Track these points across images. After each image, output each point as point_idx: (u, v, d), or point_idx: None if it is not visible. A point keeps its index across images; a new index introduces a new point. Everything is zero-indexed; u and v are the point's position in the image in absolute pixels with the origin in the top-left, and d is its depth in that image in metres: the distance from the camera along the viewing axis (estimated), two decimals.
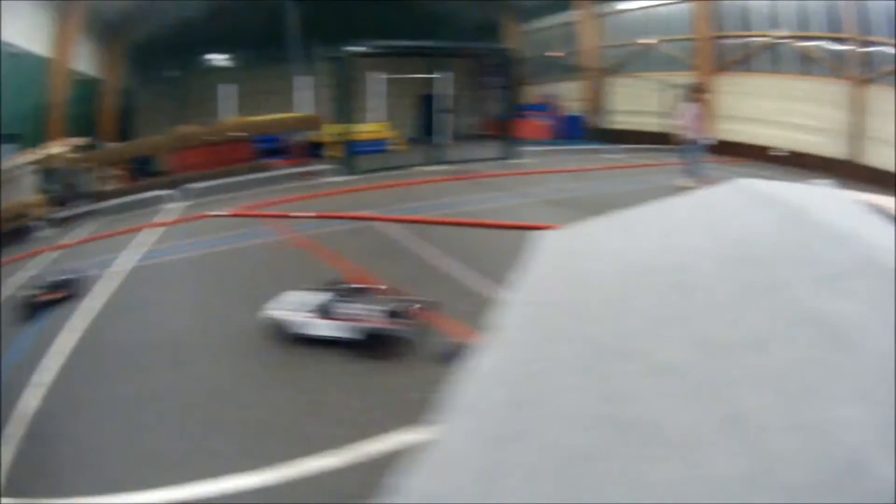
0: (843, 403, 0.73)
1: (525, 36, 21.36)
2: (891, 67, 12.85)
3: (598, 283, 1.32)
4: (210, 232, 9.20)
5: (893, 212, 1.29)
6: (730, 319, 0.99)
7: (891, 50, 12.64)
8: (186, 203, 12.14)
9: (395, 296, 4.69)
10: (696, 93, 11.27)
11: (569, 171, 13.15)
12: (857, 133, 13.58)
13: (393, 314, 4.32)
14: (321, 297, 4.55)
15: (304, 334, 4.48)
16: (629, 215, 1.67)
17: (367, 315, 4.31)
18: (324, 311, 4.42)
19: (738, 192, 1.51)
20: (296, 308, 4.58)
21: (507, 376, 1.04)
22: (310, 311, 4.47)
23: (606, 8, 18.66)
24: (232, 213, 10.51)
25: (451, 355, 2.97)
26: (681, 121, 10.97)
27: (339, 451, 3.32)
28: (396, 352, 4.29)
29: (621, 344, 1.02)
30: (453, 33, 17.93)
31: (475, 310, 4.62)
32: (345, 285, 4.80)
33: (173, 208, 11.88)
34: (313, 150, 16.32)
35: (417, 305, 4.54)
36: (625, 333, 1.06)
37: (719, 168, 12.00)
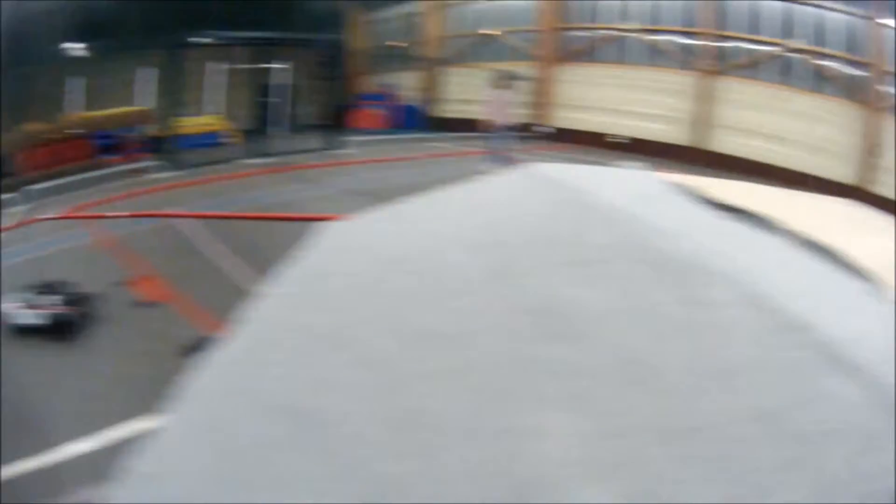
0: (546, 407, 0.72)
1: (370, 26, 20.88)
2: (743, 60, 14.00)
3: (346, 273, 1.32)
4: (42, 236, 9.03)
5: (698, 192, 1.27)
6: (452, 309, 0.99)
7: (745, 45, 13.82)
8: (28, 206, 11.53)
9: (69, 288, 5.34)
10: (506, 80, 11.15)
11: (387, 161, 13.20)
12: (704, 121, 14.33)
13: (68, 302, 5.07)
14: (31, 292, 5.18)
15: (15, 324, 4.98)
16: (413, 204, 1.66)
17: (50, 303, 5.01)
18: (28, 302, 5.04)
19: (526, 176, 1.50)
20: (14, 301, 5.13)
21: (229, 367, 1.07)
22: (20, 304, 5.05)
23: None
24: (57, 216, 10.14)
25: (194, 348, 3.12)
26: (487, 108, 10.81)
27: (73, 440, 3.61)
28: (77, 333, 4.96)
29: (339, 334, 1.03)
30: (299, 23, 17.02)
31: (235, 304, 4.38)
32: (49, 281, 5.44)
33: (15, 212, 11.22)
34: (151, 146, 15.16)
35: (74, 296, 5.22)
36: (346, 324, 1.06)
37: (547, 155, 12.34)
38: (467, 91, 17.90)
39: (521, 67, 15.05)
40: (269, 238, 7.48)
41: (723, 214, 1.17)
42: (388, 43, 19.38)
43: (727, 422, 0.71)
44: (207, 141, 15.70)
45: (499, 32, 17.14)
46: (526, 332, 0.84)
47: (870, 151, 14.95)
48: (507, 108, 10.81)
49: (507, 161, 10.03)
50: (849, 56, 15.10)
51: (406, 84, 19.42)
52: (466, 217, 1.41)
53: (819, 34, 15.06)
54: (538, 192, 1.34)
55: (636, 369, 0.78)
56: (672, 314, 0.85)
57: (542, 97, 15.98)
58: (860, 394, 0.71)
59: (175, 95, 14.26)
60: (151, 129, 15.46)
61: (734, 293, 0.87)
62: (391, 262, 1.26)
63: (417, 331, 0.94)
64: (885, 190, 14.64)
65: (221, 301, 5.05)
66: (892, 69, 15.34)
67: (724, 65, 14.60)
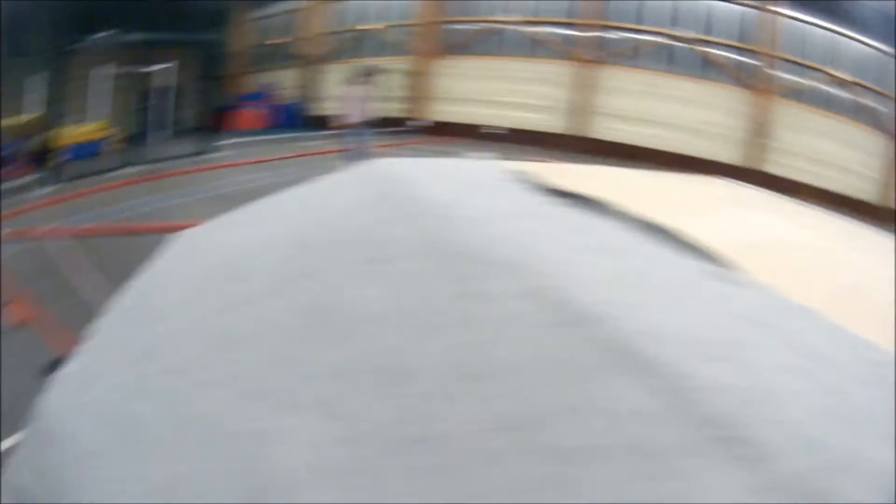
0: (293, 411, 0.73)
1: (253, 24, 20.59)
2: (624, 48, 14.25)
3: (176, 282, 1.34)
4: None
5: (536, 180, 1.27)
6: (250, 313, 0.99)
7: (627, 34, 14.17)
8: None
9: None
10: (363, 75, 10.78)
11: (260, 162, 12.88)
12: (583, 109, 14.32)
13: None
14: None
15: None
16: (253, 207, 1.65)
17: None
18: None
19: (359, 174, 1.52)
20: None
21: (70, 382, 1.11)
22: None
23: None
24: None
25: (52, 367, 2.91)
26: (342, 104, 10.49)
27: None
28: None
29: (157, 345, 1.06)
30: (184, 24, 16.64)
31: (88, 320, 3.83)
32: None
33: None
34: (35, 158, 14.56)
35: None
36: (165, 333, 1.09)
37: (416, 149, 12.24)
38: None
39: (379, 61, 14.70)
40: (133, 251, 7.15)
41: (557, 202, 1.15)
42: (269, 41, 18.95)
43: (467, 431, 0.67)
44: (91, 150, 15.10)
45: (380, 27, 16.76)
46: (299, 334, 0.86)
47: (758, 133, 14.94)
48: (364, 103, 10.43)
49: (363, 158, 9.73)
50: (738, 44, 15.13)
51: (286, 83, 19.04)
52: (293, 219, 1.41)
53: (708, 23, 15.04)
54: (366, 189, 1.34)
55: (390, 371, 0.77)
56: (446, 310, 0.82)
57: (420, 91, 15.61)
58: (651, 400, 0.64)
59: (61, 104, 13.65)
60: (37, 141, 15.02)
61: (520, 285, 0.82)
62: (216, 268, 1.28)
63: (217, 336, 0.97)
64: (775, 169, 14.79)
65: (82, 319, 4.83)
66: (783, 55, 15.45)
67: (606, 54, 14.44)
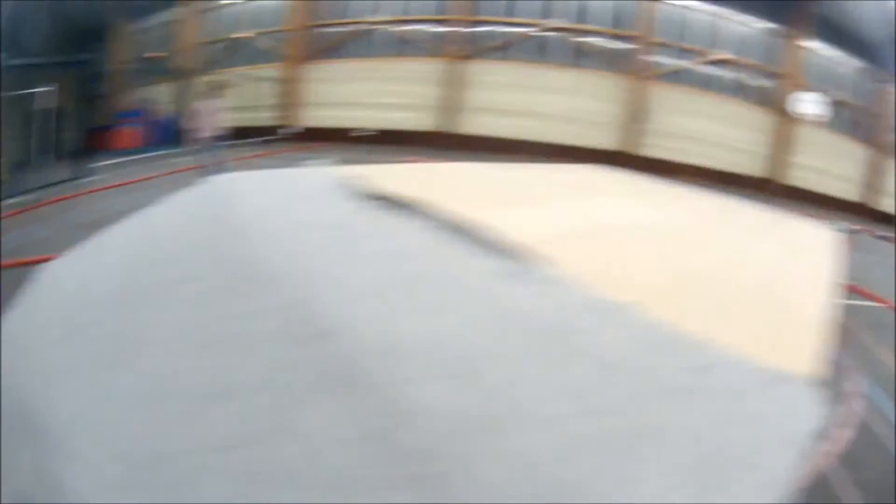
0: (66, 436, 0.79)
1: (132, 37, 20.15)
2: (494, 42, 14.34)
3: (37, 315, 1.35)
4: None
5: (360, 185, 1.31)
6: (64, 345, 1.04)
7: (498, 28, 14.27)
8: None
9: None
10: (214, 89, 10.66)
11: (131, 184, 12.45)
12: (453, 106, 14.20)
13: None
14: None
15: None
16: (109, 233, 1.69)
17: None
18: None
19: (199, 193, 1.54)
20: None
21: None
22: None
23: (210, 3, 17.73)
24: None
25: None
26: (196, 120, 10.23)
27: None
28: None
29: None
30: (66, 43, 16.22)
31: None
32: None
33: None
34: None
35: None
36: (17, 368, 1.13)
37: (284, 158, 12.02)
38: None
39: (251, 69, 14.75)
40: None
41: (372, 207, 1.17)
42: (146, 55, 18.55)
43: (197, 450, 0.71)
44: None
45: (251, 35, 16.47)
46: (103, 362, 0.89)
47: (635, 118, 14.98)
48: (216, 117, 10.22)
49: (217, 173, 9.44)
50: (613, 31, 15.16)
51: (164, 97, 18.71)
52: (133, 244, 1.43)
53: (582, 12, 15.05)
54: (197, 209, 1.38)
55: (154, 393, 0.82)
56: (215, 330, 0.84)
57: (291, 97, 15.29)
58: (353, 428, 0.61)
59: None
60: None
61: (278, 301, 0.83)
62: (66, 298, 1.31)
63: (45, 370, 1.00)
64: (655, 152, 14.92)
65: None
66: (661, 39, 15.52)
67: (476, 49, 14.36)
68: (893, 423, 4.23)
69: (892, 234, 14.67)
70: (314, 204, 1.19)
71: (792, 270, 3.11)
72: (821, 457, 2.98)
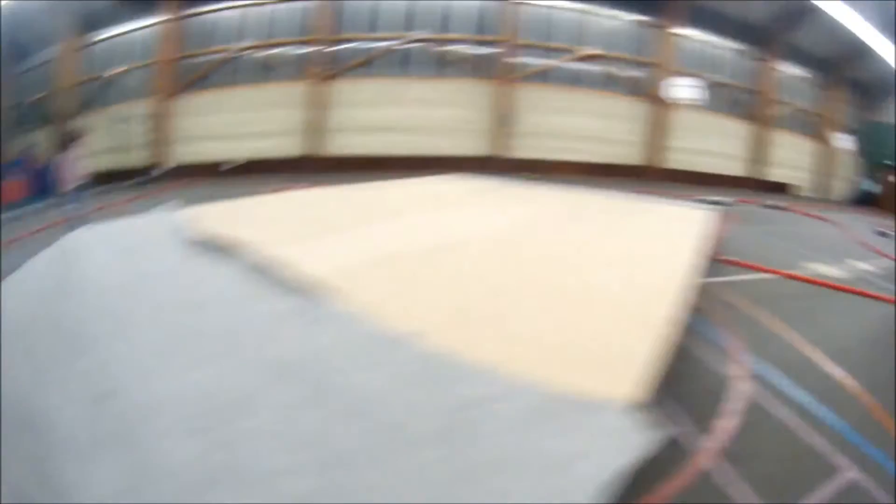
0: None
1: (14, 80, 19.52)
2: (356, 59, 14.30)
3: None
4: None
5: (189, 231, 1.40)
6: None
7: (361, 45, 14.35)
8: None
9: None
10: (69, 139, 10.47)
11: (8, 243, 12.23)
12: (320, 128, 14.27)
13: None
14: None
15: None
16: None
17: None
18: None
19: (52, 252, 1.63)
20: None
21: None
22: None
23: (86, 40, 17.28)
24: None
25: None
26: (58, 171, 10.05)
27: None
28: None
29: None
30: None
31: None
32: None
33: None
34: None
35: None
36: None
37: (155, 200, 11.57)
38: (96, 140, 15.88)
39: (122, 107, 14.61)
40: None
41: (193, 252, 1.28)
42: (28, 99, 18.08)
43: None
44: None
45: (121, 71, 16.20)
46: None
47: (502, 122, 15.19)
48: (77, 165, 10.04)
49: (81, 224, 9.36)
50: (477, 37, 15.37)
51: (44, 143, 18.26)
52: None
53: (445, 22, 15.22)
54: (48, 268, 1.46)
55: None
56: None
57: (162, 134, 15.03)
58: (119, 477, 0.62)
59: None
60: None
61: (81, 365, 0.92)
62: None
63: None
64: (526, 153, 15.22)
65: None
66: (527, 41, 15.78)
67: (340, 67, 14.51)
68: (793, 401, 3.64)
69: (781, 203, 15.17)
70: (145, 256, 1.23)
71: (642, 265, 2.81)
72: (702, 455, 2.81)
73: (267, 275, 1.08)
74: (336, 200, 3.38)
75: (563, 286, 1.86)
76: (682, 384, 3.45)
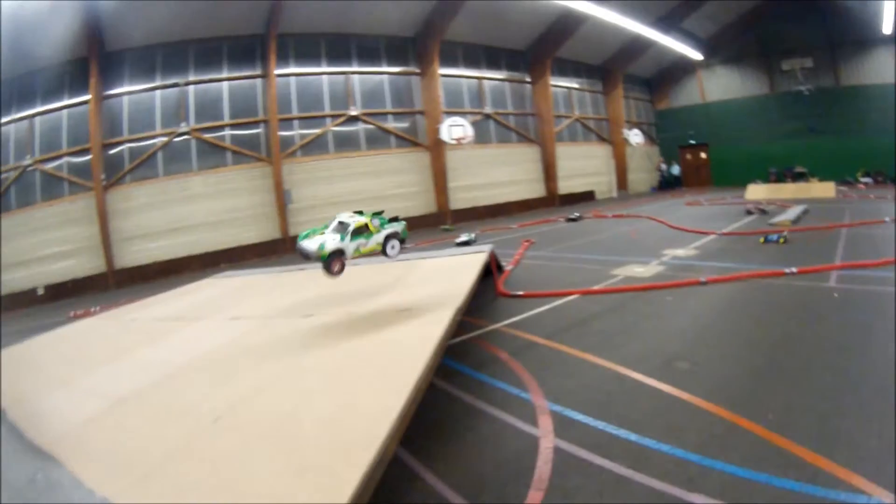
0: None
1: None
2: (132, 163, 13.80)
3: None
4: None
5: None
6: None
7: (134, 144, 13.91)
8: None
9: None
10: None
11: None
12: (109, 240, 14.01)
13: None
14: None
15: None
16: None
17: None
18: None
19: None
20: None
21: None
22: None
23: None
24: None
25: None
26: None
27: None
28: None
29: None
30: None
31: None
32: None
33: None
34: None
35: None
36: None
37: None
38: None
39: None
40: None
41: None
42: None
43: None
44: None
45: (30, 163, 14.36)
46: None
47: (285, 201, 15.67)
48: None
49: None
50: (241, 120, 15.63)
51: None
52: None
53: (214, 111, 15.37)
54: None
55: None
56: None
57: None
58: None
59: None
60: None
61: None
62: None
63: None
64: (295, 230, 15.48)
65: None
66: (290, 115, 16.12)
67: (114, 173, 14.23)
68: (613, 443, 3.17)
69: (585, 214, 16.09)
70: None
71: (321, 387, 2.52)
72: None
73: None
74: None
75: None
76: (485, 456, 3.17)
